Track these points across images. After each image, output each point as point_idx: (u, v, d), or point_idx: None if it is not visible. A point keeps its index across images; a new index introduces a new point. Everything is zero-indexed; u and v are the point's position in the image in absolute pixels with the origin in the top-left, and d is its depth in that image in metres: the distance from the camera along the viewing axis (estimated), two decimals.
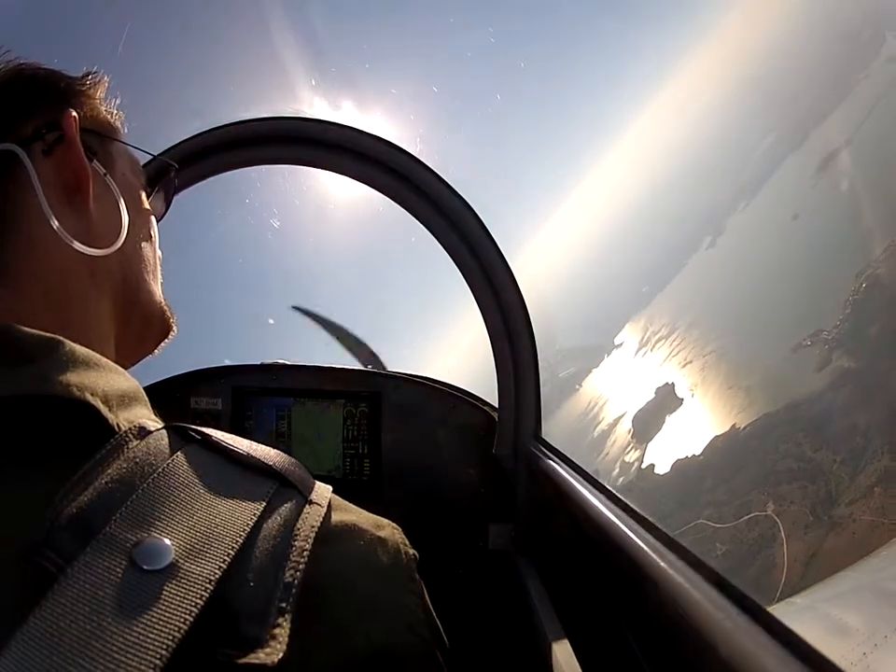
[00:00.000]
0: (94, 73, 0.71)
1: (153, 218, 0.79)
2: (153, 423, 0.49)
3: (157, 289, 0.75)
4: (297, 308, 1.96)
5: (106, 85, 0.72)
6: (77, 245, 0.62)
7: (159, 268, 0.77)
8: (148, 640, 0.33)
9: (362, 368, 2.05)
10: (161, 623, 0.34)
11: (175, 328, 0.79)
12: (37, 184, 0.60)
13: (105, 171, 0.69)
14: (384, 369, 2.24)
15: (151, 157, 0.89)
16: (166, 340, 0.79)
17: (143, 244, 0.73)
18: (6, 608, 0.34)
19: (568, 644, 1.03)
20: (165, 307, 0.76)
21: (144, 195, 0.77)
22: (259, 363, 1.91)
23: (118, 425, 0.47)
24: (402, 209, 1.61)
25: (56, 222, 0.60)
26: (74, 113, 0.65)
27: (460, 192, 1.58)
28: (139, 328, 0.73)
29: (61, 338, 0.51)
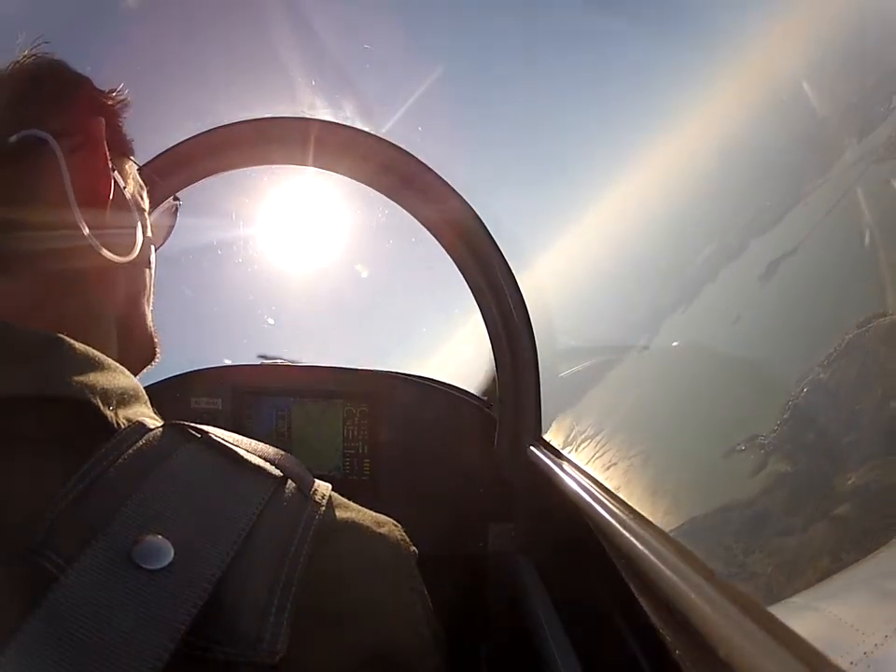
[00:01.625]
0: (121, 91, 0.70)
1: (153, 247, 0.79)
2: (153, 421, 0.49)
3: (149, 314, 0.75)
4: (262, 356, 1.98)
5: (129, 107, 0.72)
6: (105, 253, 0.61)
7: (152, 297, 0.77)
8: (148, 640, 0.33)
9: (361, 368, 2.05)
10: (160, 622, 0.34)
11: (159, 356, 0.79)
12: (66, 173, 0.58)
13: (124, 184, 0.68)
14: None
15: (159, 187, 0.89)
16: (150, 366, 0.79)
17: (143, 268, 0.73)
18: (6, 608, 0.34)
19: (569, 644, 1.03)
20: (154, 333, 0.77)
21: (149, 221, 0.77)
22: (259, 363, 1.91)
23: (117, 423, 0.47)
24: (403, 210, 1.61)
25: (79, 215, 0.59)
26: (102, 121, 0.63)
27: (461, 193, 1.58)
28: (140, 336, 0.74)
29: (60, 335, 0.50)
